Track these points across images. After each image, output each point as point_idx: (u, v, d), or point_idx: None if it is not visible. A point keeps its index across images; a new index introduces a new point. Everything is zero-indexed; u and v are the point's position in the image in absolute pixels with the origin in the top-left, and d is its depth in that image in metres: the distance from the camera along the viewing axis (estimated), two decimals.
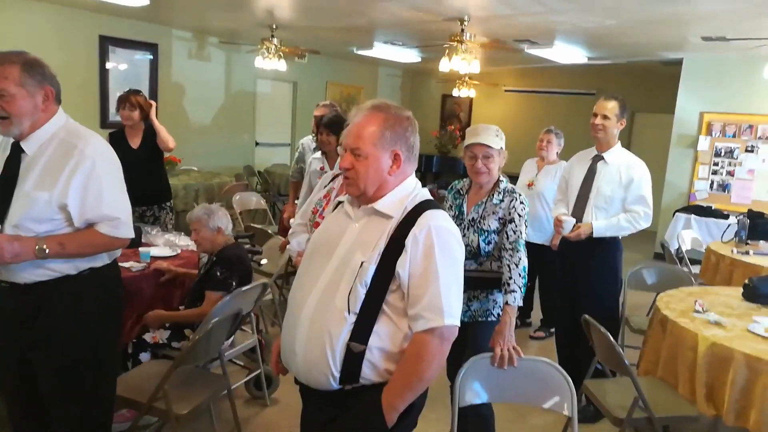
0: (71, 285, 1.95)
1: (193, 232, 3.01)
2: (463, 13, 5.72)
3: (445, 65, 6.15)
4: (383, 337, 1.53)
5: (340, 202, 1.76)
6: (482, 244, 2.47)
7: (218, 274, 2.87)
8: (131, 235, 2.04)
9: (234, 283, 2.88)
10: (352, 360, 1.51)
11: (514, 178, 4.18)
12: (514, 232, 2.43)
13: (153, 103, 4.07)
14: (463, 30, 6.02)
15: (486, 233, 2.47)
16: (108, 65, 7.51)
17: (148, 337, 2.86)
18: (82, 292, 1.98)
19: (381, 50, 8.80)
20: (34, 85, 1.88)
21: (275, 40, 7.31)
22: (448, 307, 1.52)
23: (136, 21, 7.53)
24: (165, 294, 3.10)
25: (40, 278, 1.91)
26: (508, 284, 2.37)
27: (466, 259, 2.43)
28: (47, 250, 1.84)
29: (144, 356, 2.84)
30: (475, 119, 12.01)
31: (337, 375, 1.52)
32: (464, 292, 2.42)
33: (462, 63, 6.07)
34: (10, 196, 1.89)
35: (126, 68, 7.75)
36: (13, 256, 1.80)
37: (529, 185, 4.51)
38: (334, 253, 1.59)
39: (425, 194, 1.67)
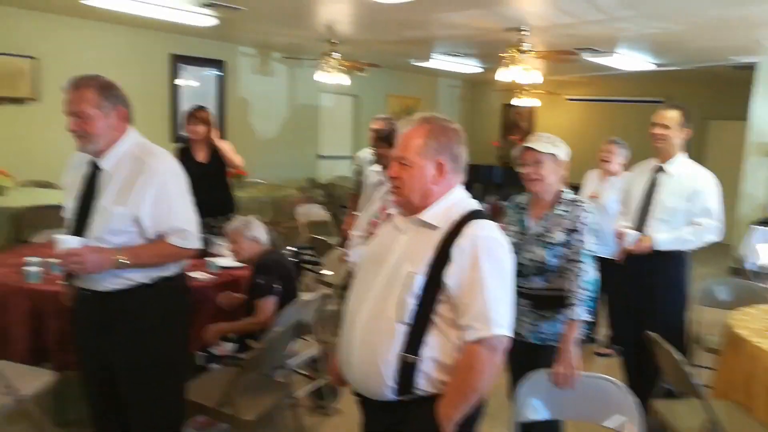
0: (145, 293, 2.08)
1: (231, 243, 3.11)
2: (522, 23, 5.68)
3: (503, 75, 6.11)
4: (435, 347, 1.55)
5: (391, 214, 1.80)
6: (549, 258, 2.37)
7: (259, 281, 2.95)
8: (198, 245, 2.15)
9: (278, 286, 2.94)
10: (406, 370, 1.54)
11: (577, 190, 4.11)
12: (579, 242, 2.33)
13: (216, 130, 4.18)
14: (522, 40, 5.97)
15: (553, 246, 2.37)
16: (178, 82, 7.86)
17: (215, 350, 2.98)
18: (154, 300, 2.10)
19: (440, 61, 8.82)
20: (108, 106, 2.02)
21: (336, 55, 7.46)
22: (497, 316, 1.53)
23: (205, 39, 7.86)
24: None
25: (118, 287, 2.04)
26: (569, 297, 2.29)
27: (533, 275, 2.39)
28: (124, 261, 1.97)
29: (214, 367, 2.96)
30: (537, 129, 11.84)
31: (392, 385, 1.55)
32: (532, 311, 2.41)
33: (522, 73, 6.02)
34: (90, 211, 2.03)
35: (195, 84, 8.10)
36: (96, 266, 1.94)
37: (592, 197, 4.40)
38: (385, 264, 1.63)
39: (473, 205, 1.69)
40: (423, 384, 1.56)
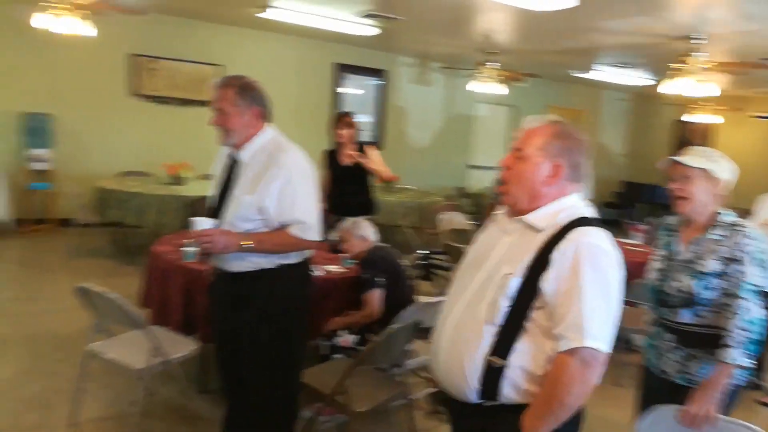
0: (268, 277, 2.23)
1: (343, 242, 3.34)
2: (695, 31, 5.21)
3: (670, 88, 5.64)
4: (525, 355, 1.48)
5: (496, 215, 1.75)
6: (698, 290, 2.07)
7: (364, 275, 3.11)
8: (317, 238, 2.28)
9: (381, 279, 3.06)
10: (491, 375, 1.49)
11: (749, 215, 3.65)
12: (740, 273, 2.00)
13: (358, 154, 4.34)
14: (695, 49, 5.47)
15: (704, 276, 2.07)
16: (341, 90, 8.33)
17: (339, 341, 3.13)
18: (276, 284, 2.26)
19: (603, 72, 8.37)
20: (245, 105, 2.21)
21: (494, 65, 7.41)
22: (592, 328, 1.41)
23: (367, 49, 8.24)
24: (356, 298, 3.32)
25: (245, 269, 2.22)
26: (724, 337, 1.98)
27: (680, 307, 2.12)
28: (248, 245, 2.14)
29: (337, 357, 3.11)
30: (715, 148, 10.74)
31: (475, 388, 1.51)
32: (678, 348, 2.17)
33: (693, 86, 5.51)
34: (226, 198, 2.25)
35: (357, 93, 8.52)
36: (222, 247, 2.13)
37: (763, 225, 3.89)
38: (484, 265, 1.59)
39: (586, 212, 1.58)
40: (509, 392, 1.50)
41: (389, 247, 3.40)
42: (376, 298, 3.04)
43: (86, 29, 5.21)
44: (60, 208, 6.77)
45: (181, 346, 2.93)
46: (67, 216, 6.81)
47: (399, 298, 3.06)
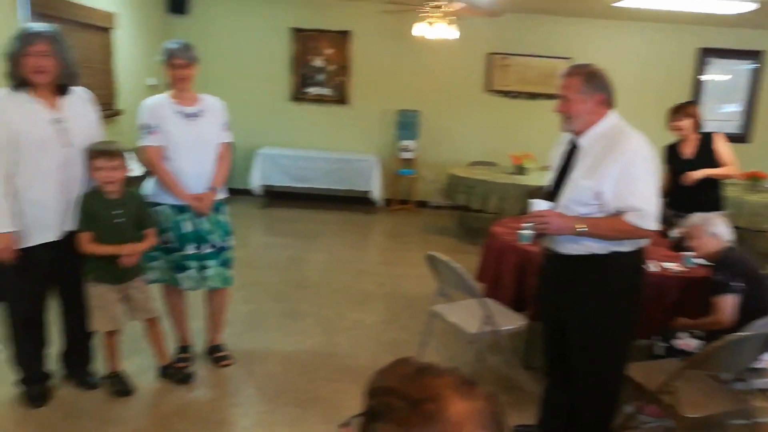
0: (599, 262, 2.26)
1: (691, 240, 3.04)
2: None
3: None
4: None
5: None
6: None
7: (717, 278, 2.80)
8: (654, 227, 2.20)
9: (738, 284, 2.74)
10: None
11: None
12: None
13: (700, 173, 3.97)
14: None
15: None
16: (703, 76, 7.52)
17: (678, 343, 2.93)
18: (606, 270, 2.27)
19: None
20: (589, 92, 2.25)
21: None
22: None
23: (738, 29, 7.24)
24: (696, 301, 3.05)
25: (576, 252, 2.29)
26: None
27: None
28: (582, 229, 2.20)
29: (672, 360, 2.93)
30: None
31: None
32: None
33: None
34: (563, 182, 2.34)
35: (723, 79, 7.59)
36: (557, 228, 2.23)
37: None
38: None
39: None
40: None
41: (744, 251, 3.03)
42: (729, 304, 2.74)
43: (451, 33, 5.89)
44: (420, 191, 7.79)
45: (511, 320, 3.16)
46: (424, 198, 7.80)
47: (755, 309, 2.70)
